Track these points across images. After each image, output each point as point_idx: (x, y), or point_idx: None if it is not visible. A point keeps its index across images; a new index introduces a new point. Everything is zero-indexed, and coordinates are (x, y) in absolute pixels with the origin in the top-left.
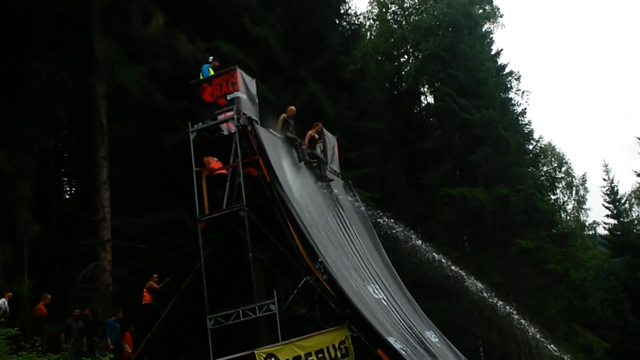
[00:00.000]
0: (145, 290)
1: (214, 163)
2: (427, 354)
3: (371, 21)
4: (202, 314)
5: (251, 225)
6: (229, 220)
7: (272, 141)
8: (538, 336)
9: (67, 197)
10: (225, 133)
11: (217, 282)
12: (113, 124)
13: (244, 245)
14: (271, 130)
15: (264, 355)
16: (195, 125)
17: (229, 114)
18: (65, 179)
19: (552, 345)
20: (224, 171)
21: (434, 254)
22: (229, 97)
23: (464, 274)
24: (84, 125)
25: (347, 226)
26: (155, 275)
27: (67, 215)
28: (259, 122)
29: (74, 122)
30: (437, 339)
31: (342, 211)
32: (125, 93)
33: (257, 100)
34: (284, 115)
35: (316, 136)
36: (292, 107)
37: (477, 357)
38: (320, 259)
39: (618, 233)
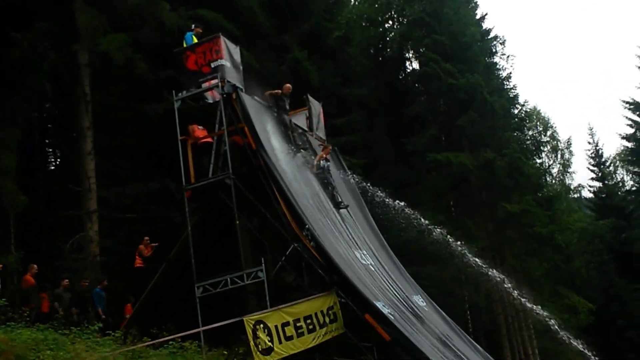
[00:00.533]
0: (137, 253)
1: (199, 131)
2: (414, 318)
3: None
4: (190, 282)
5: (238, 193)
6: (215, 188)
7: (257, 109)
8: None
9: (53, 168)
10: (210, 101)
11: (204, 251)
12: (97, 94)
13: (231, 214)
14: (256, 98)
15: (253, 322)
16: (180, 94)
17: (213, 82)
18: (50, 150)
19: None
20: (209, 139)
21: (421, 219)
22: (213, 65)
23: (449, 238)
24: (67, 96)
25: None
26: (147, 238)
27: (52, 186)
28: (243, 90)
29: (57, 93)
30: (425, 303)
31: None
32: (109, 62)
33: (241, 68)
34: (278, 91)
35: (326, 156)
36: (289, 85)
37: (464, 321)
38: (307, 226)
39: (603, 196)
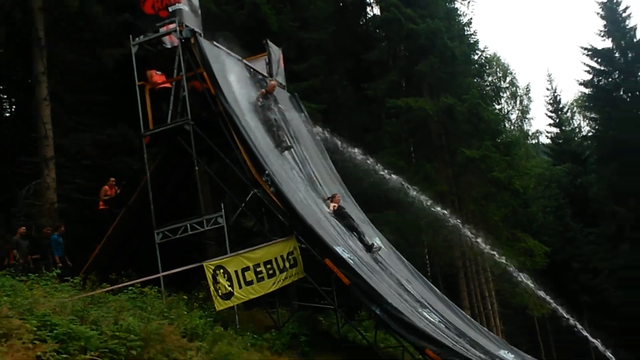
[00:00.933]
0: (99, 196)
1: (157, 77)
2: (373, 262)
3: None
4: (150, 228)
5: (197, 138)
6: (174, 134)
7: (216, 54)
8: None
9: (7, 114)
10: (168, 46)
11: (164, 197)
12: (52, 38)
13: (190, 159)
14: (215, 43)
15: (213, 267)
16: (137, 39)
17: (171, 26)
18: (5, 96)
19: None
20: (167, 85)
21: (379, 166)
22: (170, 9)
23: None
24: (21, 40)
25: (293, 139)
26: (112, 179)
27: (8, 133)
28: (202, 35)
29: (10, 37)
30: (384, 247)
31: (288, 125)
32: (63, 6)
33: (199, 12)
34: (262, 90)
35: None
36: (273, 82)
37: (423, 265)
38: (267, 172)
39: (560, 141)
